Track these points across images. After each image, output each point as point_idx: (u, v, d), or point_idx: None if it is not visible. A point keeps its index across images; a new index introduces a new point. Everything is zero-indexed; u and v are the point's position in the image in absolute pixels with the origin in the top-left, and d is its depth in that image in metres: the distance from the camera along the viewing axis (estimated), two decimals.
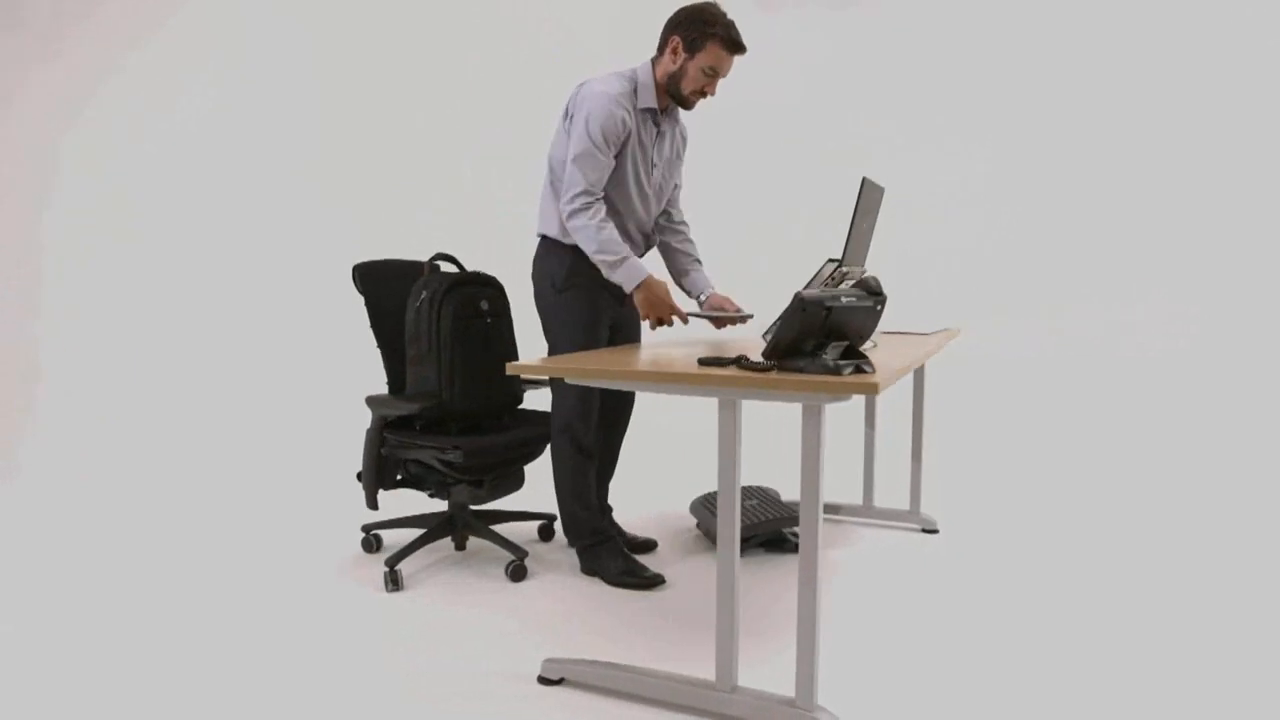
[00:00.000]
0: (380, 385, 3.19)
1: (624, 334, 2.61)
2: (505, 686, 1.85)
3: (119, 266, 4.64)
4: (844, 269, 2.03)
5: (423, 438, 2.46)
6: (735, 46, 2.26)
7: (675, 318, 2.32)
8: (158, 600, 2.36)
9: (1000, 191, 4.27)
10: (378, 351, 2.79)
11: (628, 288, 2.30)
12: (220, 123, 4.68)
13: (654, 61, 2.36)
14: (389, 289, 2.68)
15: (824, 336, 1.64)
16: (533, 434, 2.58)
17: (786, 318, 1.57)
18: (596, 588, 2.45)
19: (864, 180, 1.97)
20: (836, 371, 1.55)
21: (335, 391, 4.48)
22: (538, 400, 4.07)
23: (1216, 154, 4.01)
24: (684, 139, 2.57)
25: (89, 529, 3.02)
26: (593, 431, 2.49)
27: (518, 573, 2.52)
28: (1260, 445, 3.73)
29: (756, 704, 1.65)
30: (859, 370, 1.59)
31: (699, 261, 2.62)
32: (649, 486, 3.54)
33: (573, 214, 2.28)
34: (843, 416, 4.35)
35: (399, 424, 2.55)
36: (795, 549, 2.75)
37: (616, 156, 2.33)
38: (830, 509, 3.09)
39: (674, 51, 2.29)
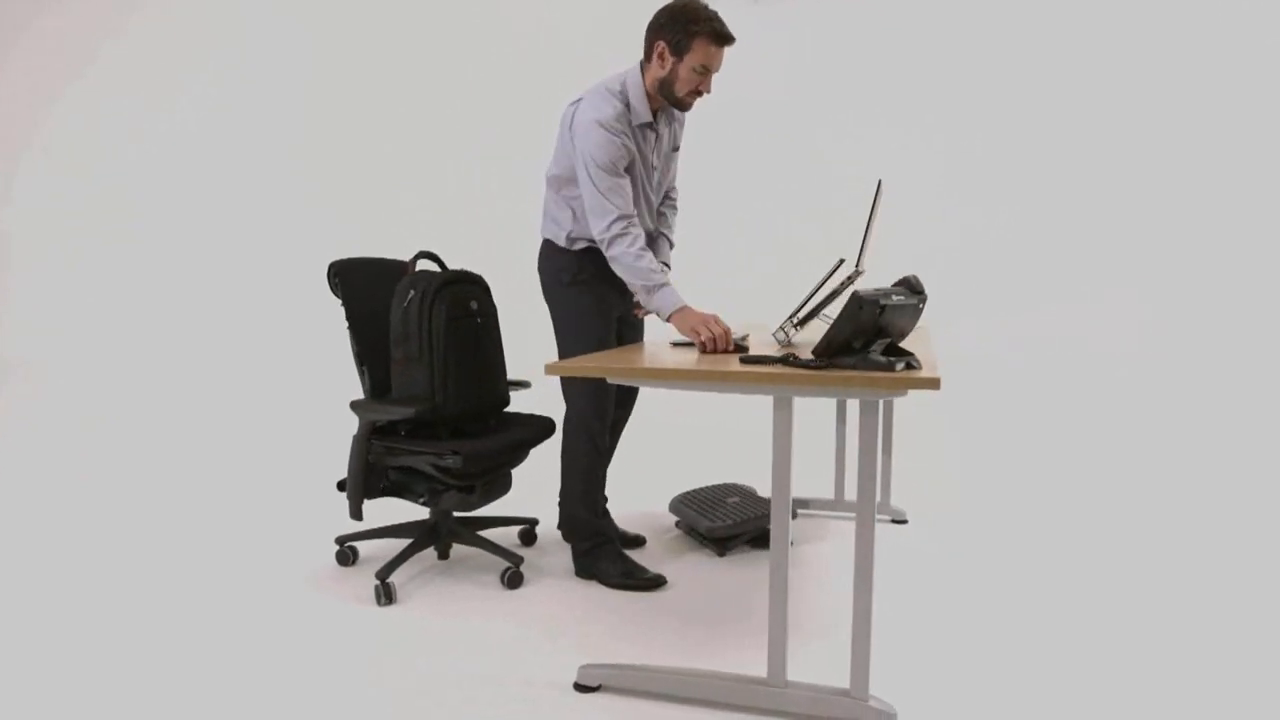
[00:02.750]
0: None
1: (630, 329, 2.64)
2: (543, 695, 1.80)
3: (90, 268, 4.29)
4: (859, 270, 2.08)
5: (416, 443, 2.36)
6: (723, 39, 2.17)
7: (719, 337, 2.05)
8: (134, 629, 2.16)
9: (970, 191, 4.47)
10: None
11: (663, 315, 2.19)
12: (201, 122, 4.42)
13: (642, 68, 2.29)
14: (368, 288, 2.56)
15: (872, 335, 1.68)
16: (526, 436, 2.52)
17: (843, 316, 1.60)
18: (596, 591, 2.41)
19: (880, 183, 2.03)
20: (890, 368, 1.60)
21: (288, 397, 4.27)
22: (520, 403, 3.98)
23: (1181, 156, 4.30)
24: (679, 128, 2.50)
25: (59, 539, 2.73)
26: (607, 430, 2.47)
27: (514, 580, 2.45)
28: (1216, 435, 4.07)
29: (812, 697, 1.67)
30: (909, 366, 1.64)
31: (664, 236, 2.58)
32: (626, 484, 3.52)
33: (613, 241, 2.21)
34: (814, 413, 4.47)
35: (385, 430, 2.44)
36: None
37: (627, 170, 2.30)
38: (800, 503, 3.16)
39: (660, 57, 2.21)
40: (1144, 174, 4.33)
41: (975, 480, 3.57)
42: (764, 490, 3.41)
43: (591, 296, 2.41)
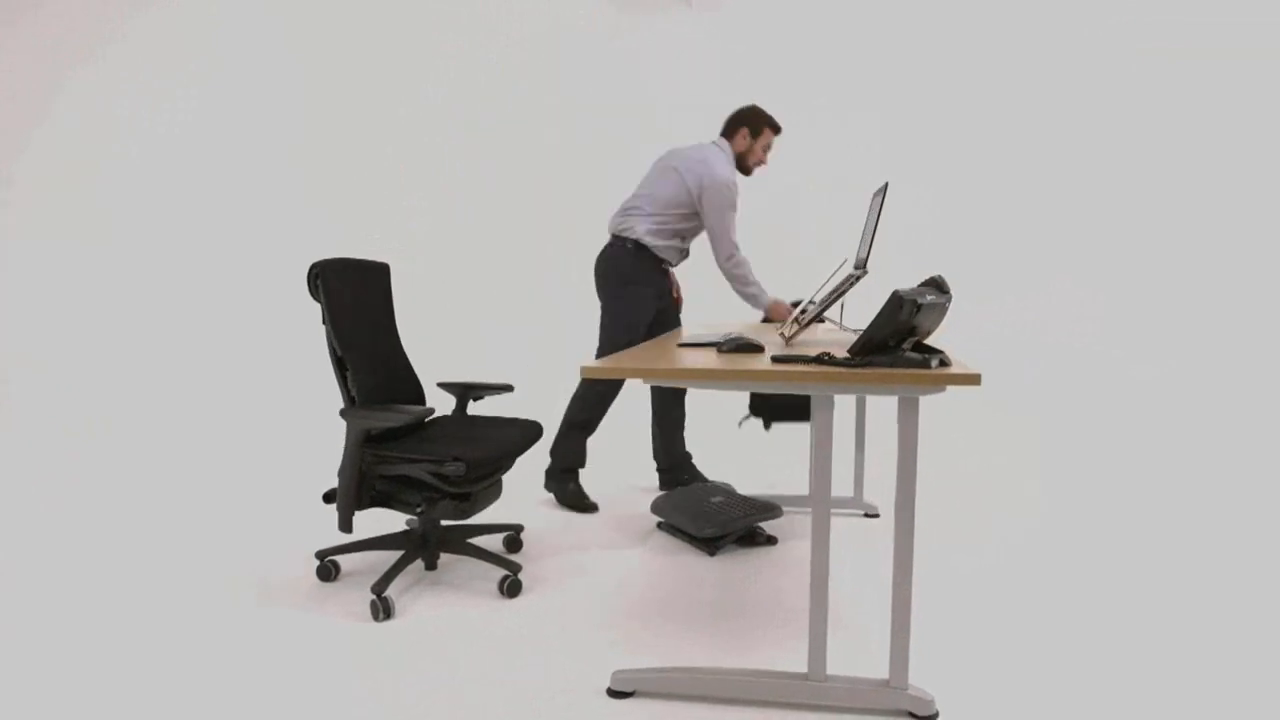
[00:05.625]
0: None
1: (668, 316, 3.37)
2: (579, 703, 1.76)
3: (78, 270, 3.97)
4: (864, 270, 2.13)
5: (415, 450, 2.27)
6: (779, 130, 3.09)
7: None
8: (117, 665, 2.00)
9: (944, 182, 4.61)
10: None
11: (761, 305, 3.12)
12: (193, 123, 4.19)
13: (728, 143, 3.18)
14: (353, 290, 2.46)
15: (904, 333, 1.72)
16: (520, 441, 2.47)
17: (884, 315, 1.64)
18: (596, 596, 2.39)
19: (885, 185, 2.08)
20: (927, 365, 1.64)
21: (252, 406, 4.05)
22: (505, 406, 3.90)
23: (1170, 152, 4.53)
24: None
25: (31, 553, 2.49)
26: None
27: (513, 588, 2.40)
28: (1209, 431, 4.33)
29: (853, 690, 1.70)
30: (941, 363, 1.69)
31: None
32: (605, 483, 3.48)
33: (739, 261, 3.09)
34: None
35: (375, 438, 2.35)
36: (766, 542, 2.83)
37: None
38: (781, 501, 3.21)
39: (743, 137, 3.17)
40: (1134, 174, 4.55)
41: (946, 476, 3.72)
42: (741, 489, 3.45)
43: (637, 300, 3.17)
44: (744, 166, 3.21)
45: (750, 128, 3.17)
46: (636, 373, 1.69)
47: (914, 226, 4.65)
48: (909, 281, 4.60)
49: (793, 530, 2.97)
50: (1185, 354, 4.39)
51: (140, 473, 3.74)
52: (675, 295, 3.40)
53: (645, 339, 3.28)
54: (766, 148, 3.19)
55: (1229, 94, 4.33)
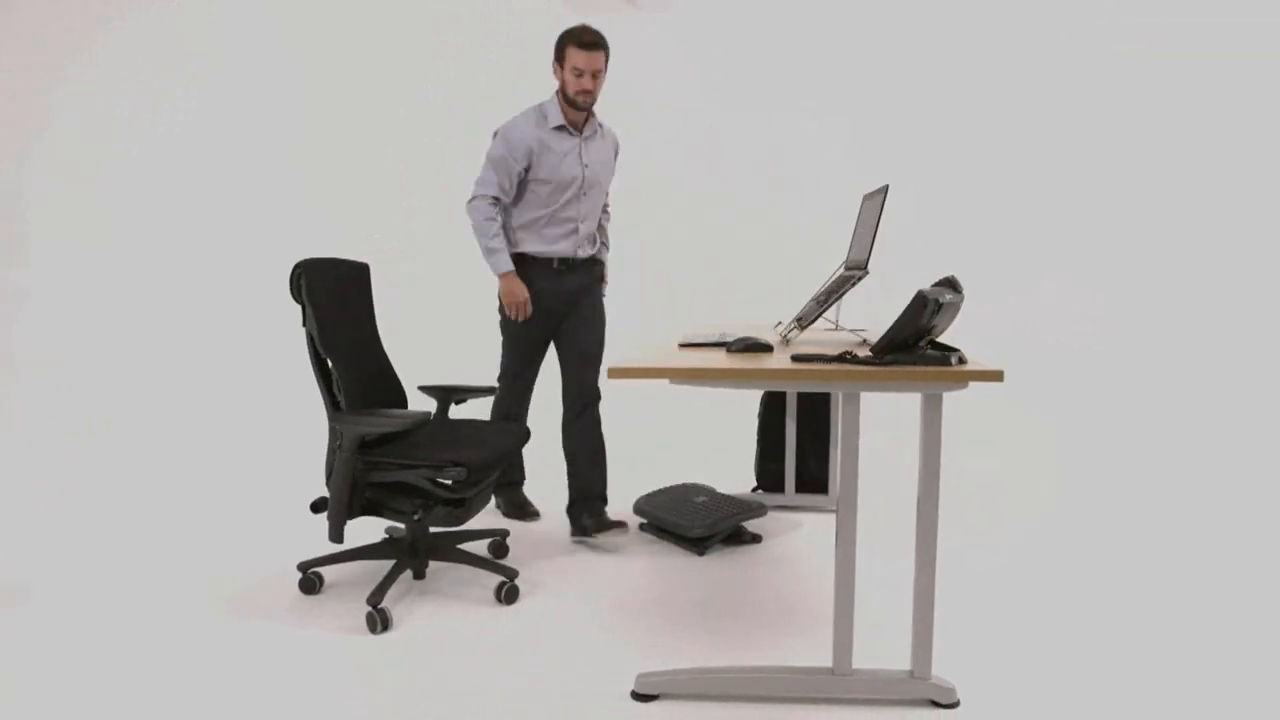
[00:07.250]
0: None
1: (581, 326, 2.95)
2: (603, 707, 1.74)
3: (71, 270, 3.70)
4: (865, 271, 2.18)
5: (407, 455, 2.21)
6: (585, 45, 2.73)
7: (519, 306, 2.83)
8: (105, 691, 1.87)
9: (927, 181, 4.68)
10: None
11: (495, 273, 2.81)
12: (191, 122, 3.99)
13: (556, 93, 2.86)
14: (338, 291, 2.37)
15: (923, 332, 1.77)
16: (512, 445, 2.43)
17: (909, 315, 1.68)
18: (595, 599, 2.36)
19: (886, 188, 2.13)
20: (947, 362, 1.69)
21: (235, 412, 3.88)
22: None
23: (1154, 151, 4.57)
24: (616, 146, 3.01)
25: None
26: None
27: (511, 594, 2.35)
28: (1196, 427, 4.49)
29: (879, 682, 1.73)
30: (960, 361, 1.74)
31: (605, 245, 3.09)
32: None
33: (478, 204, 2.79)
34: (741, 403, 4.56)
35: (367, 444, 2.27)
36: (751, 540, 2.86)
37: (529, 168, 2.80)
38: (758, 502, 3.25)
39: (555, 74, 2.83)
40: (1130, 173, 4.58)
41: (946, 472, 3.82)
42: (722, 488, 3.47)
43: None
44: (570, 100, 2.79)
45: (554, 58, 2.82)
46: (665, 373, 1.69)
47: (898, 227, 4.76)
48: (898, 281, 4.70)
49: (776, 528, 3.01)
50: (1185, 352, 4.48)
51: (137, 474, 3.63)
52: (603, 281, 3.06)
53: (566, 343, 2.96)
54: (576, 70, 2.73)
55: (1230, 92, 4.40)
